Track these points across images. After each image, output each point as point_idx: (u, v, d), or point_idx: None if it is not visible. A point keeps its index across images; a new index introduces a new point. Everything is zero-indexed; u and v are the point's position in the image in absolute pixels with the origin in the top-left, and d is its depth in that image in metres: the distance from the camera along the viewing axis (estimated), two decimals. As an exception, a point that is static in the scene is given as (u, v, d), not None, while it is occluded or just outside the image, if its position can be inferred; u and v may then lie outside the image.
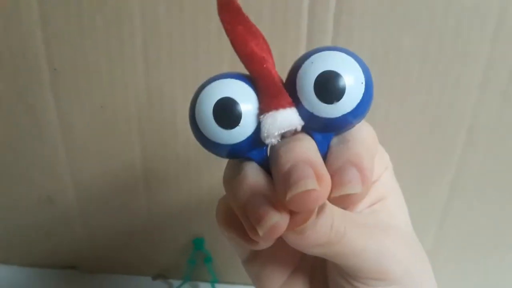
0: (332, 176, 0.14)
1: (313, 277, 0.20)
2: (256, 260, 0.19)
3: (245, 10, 0.29)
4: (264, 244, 0.16)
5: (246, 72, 0.16)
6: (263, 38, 0.16)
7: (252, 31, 0.15)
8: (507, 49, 0.29)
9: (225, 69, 0.31)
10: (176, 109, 0.33)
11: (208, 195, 0.37)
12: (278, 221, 0.14)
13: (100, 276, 0.42)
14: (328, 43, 0.30)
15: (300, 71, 0.15)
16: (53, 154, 0.36)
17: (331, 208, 0.15)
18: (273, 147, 0.15)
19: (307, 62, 0.15)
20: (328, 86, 0.14)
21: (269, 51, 0.16)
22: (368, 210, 0.18)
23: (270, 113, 0.15)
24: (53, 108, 0.34)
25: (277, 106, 0.15)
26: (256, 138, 0.15)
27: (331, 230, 0.15)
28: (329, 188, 0.14)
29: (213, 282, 0.40)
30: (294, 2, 0.28)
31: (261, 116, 0.15)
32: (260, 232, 0.14)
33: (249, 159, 0.16)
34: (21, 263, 0.43)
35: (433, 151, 0.33)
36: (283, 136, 0.16)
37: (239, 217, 0.15)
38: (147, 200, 0.38)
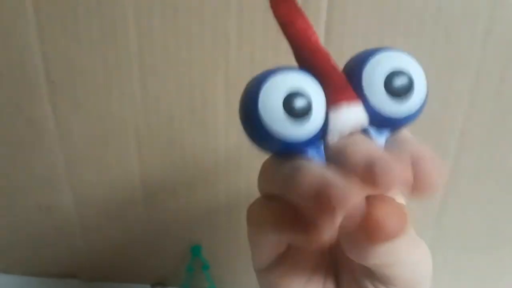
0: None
1: (326, 281, 0.20)
2: (276, 269, 0.19)
3: (238, 20, 0.30)
4: (330, 229, 0.14)
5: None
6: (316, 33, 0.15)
7: (310, 26, 0.15)
8: (496, 54, 0.29)
9: (219, 77, 0.31)
10: (173, 116, 0.33)
11: (205, 203, 0.37)
12: (353, 191, 0.12)
13: (100, 285, 0.43)
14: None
15: (367, 68, 0.15)
16: (52, 165, 0.36)
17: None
18: (333, 146, 0.14)
19: (373, 60, 0.15)
20: (400, 84, 0.14)
21: (326, 50, 0.15)
22: None
23: (341, 108, 0.14)
24: (52, 119, 0.34)
25: (346, 99, 0.14)
26: (319, 134, 0.14)
27: (407, 243, 0.15)
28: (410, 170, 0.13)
29: (211, 289, 0.40)
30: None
31: (330, 112, 0.14)
32: (342, 210, 0.12)
33: (303, 156, 0.15)
34: (21, 272, 0.43)
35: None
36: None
37: (306, 204, 0.13)
38: (145, 208, 0.38)
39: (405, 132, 0.16)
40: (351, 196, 0.12)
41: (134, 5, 0.30)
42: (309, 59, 0.15)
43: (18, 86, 0.33)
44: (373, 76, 0.14)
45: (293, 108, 0.14)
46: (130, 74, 0.32)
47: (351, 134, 0.14)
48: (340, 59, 0.30)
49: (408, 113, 0.15)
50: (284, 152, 0.15)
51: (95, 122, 0.34)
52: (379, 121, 0.15)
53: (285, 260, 0.18)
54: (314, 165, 0.14)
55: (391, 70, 0.14)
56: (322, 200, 0.12)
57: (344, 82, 0.15)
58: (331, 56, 0.15)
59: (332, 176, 0.13)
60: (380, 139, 0.15)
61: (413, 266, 0.16)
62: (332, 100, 0.14)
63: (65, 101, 0.33)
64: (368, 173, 0.12)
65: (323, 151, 0.15)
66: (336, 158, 0.14)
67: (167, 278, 0.42)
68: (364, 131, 0.15)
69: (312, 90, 0.14)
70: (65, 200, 0.38)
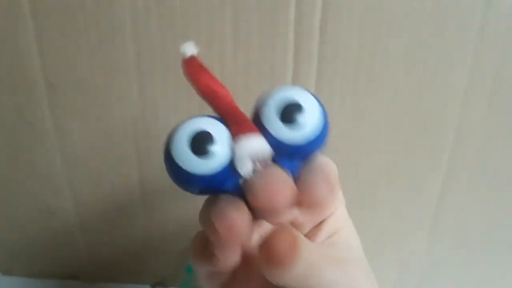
0: (302, 183, 0.16)
1: None
2: None
3: (233, 21, 0.30)
4: (227, 256, 0.17)
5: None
6: (223, 85, 0.18)
7: (212, 78, 0.18)
8: (491, 52, 0.29)
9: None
10: (170, 120, 0.34)
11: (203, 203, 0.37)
12: (236, 217, 0.15)
13: (101, 285, 0.43)
14: (315, 50, 0.30)
15: (264, 104, 0.17)
16: (51, 167, 0.36)
17: (308, 243, 0.16)
18: (247, 180, 0.16)
19: (269, 97, 0.17)
20: (291, 110, 0.16)
21: (228, 92, 0.18)
22: (328, 241, 0.19)
23: (240, 138, 0.16)
24: (51, 122, 0.34)
25: (245, 131, 0.16)
26: (230, 169, 0.16)
27: (310, 266, 0.16)
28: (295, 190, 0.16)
29: (211, 289, 0.40)
30: (280, 9, 0.29)
31: (233, 144, 0.16)
32: (220, 230, 0.15)
33: (224, 192, 0.17)
34: (23, 274, 0.44)
35: (423, 152, 0.33)
36: (254, 169, 0.17)
37: (207, 232, 0.16)
38: (144, 209, 0.38)
39: (323, 164, 0.18)
40: (239, 236, 0.15)
41: (131, 10, 0.30)
42: (210, 103, 0.17)
43: (17, 89, 0.33)
44: (269, 108, 0.17)
45: (197, 145, 0.16)
46: (128, 78, 0.32)
47: (264, 167, 0.16)
48: (334, 58, 0.31)
49: (306, 139, 0.16)
50: (205, 188, 0.17)
51: (93, 125, 0.34)
52: (283, 150, 0.17)
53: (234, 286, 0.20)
54: (223, 200, 0.16)
55: (283, 102, 0.17)
56: (216, 237, 0.15)
57: (243, 118, 0.17)
58: (230, 98, 0.17)
59: (227, 213, 0.15)
60: (292, 168, 0.17)
61: (344, 286, 0.17)
62: (234, 134, 0.16)
63: (64, 104, 0.34)
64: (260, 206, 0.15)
65: (239, 184, 0.17)
66: (247, 192, 0.16)
67: (167, 278, 0.43)
68: (276, 163, 0.17)
69: (216, 129, 0.16)
70: (65, 202, 0.38)
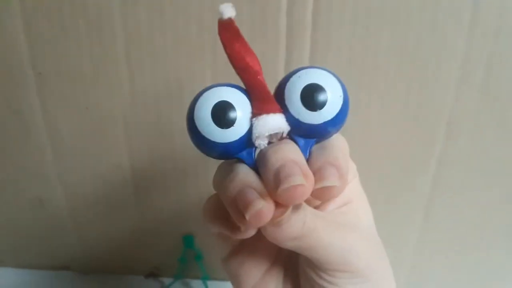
0: (314, 174, 0.16)
1: (286, 273, 0.21)
2: (236, 257, 0.21)
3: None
4: (247, 232, 0.18)
5: (237, 83, 0.18)
6: (256, 56, 0.18)
7: (247, 49, 0.17)
8: (482, 43, 0.29)
9: (206, 70, 0.31)
10: (160, 109, 0.33)
11: (195, 193, 0.37)
12: (263, 207, 0.15)
13: (93, 276, 0.43)
14: (307, 41, 0.30)
15: (289, 84, 0.17)
16: (41, 157, 0.36)
17: (304, 207, 0.17)
18: (261, 150, 0.17)
19: (294, 76, 0.17)
20: (313, 96, 0.17)
21: (260, 67, 0.18)
22: (337, 211, 0.20)
23: (262, 116, 0.17)
24: (40, 112, 0.34)
25: (268, 111, 0.17)
26: (247, 140, 0.17)
27: (304, 225, 0.17)
28: (312, 184, 0.16)
29: (204, 279, 0.41)
30: (272, 0, 0.29)
31: (254, 119, 0.17)
32: (247, 216, 0.15)
33: (239, 160, 0.18)
34: (15, 265, 0.44)
35: (415, 145, 0.33)
36: (270, 142, 0.18)
37: (228, 208, 0.17)
38: (136, 199, 0.38)
39: (334, 141, 0.18)
40: (255, 204, 0.15)
41: (120, -2, 0.29)
42: (241, 76, 0.17)
43: (5, 78, 0.33)
44: (293, 90, 0.17)
45: (218, 116, 0.17)
46: (117, 67, 0.32)
47: (278, 141, 0.17)
48: (326, 48, 0.30)
49: (323, 120, 0.17)
50: (222, 156, 0.18)
51: (83, 114, 0.34)
52: (301, 129, 0.17)
53: (243, 250, 0.21)
54: (241, 170, 0.17)
55: (306, 84, 0.17)
56: (233, 207, 0.16)
57: (268, 95, 0.17)
58: (261, 75, 0.17)
59: (249, 183, 0.16)
60: (306, 146, 0.18)
61: (341, 251, 0.18)
62: (256, 110, 0.17)
63: (52, 93, 0.33)
64: (276, 176, 0.16)
65: (254, 155, 0.18)
66: (261, 162, 0.17)
67: (160, 269, 0.43)
68: (292, 140, 0.18)
69: (239, 101, 0.17)
70: (55, 193, 0.38)
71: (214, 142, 0.17)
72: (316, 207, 0.20)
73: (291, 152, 0.16)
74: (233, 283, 0.22)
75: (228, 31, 0.17)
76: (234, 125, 0.17)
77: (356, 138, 0.33)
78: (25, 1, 0.30)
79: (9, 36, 0.31)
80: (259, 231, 0.18)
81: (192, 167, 0.36)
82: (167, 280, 0.42)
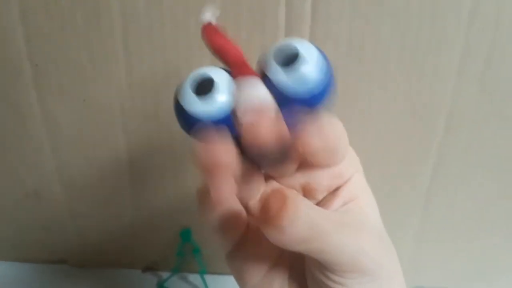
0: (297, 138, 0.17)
1: (292, 271, 0.21)
2: (239, 253, 0.20)
3: (224, 4, 0.29)
4: (222, 193, 0.17)
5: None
6: (237, 47, 0.18)
7: (227, 40, 0.19)
8: (481, 36, 0.29)
9: (206, 61, 0.31)
10: (159, 101, 0.33)
11: (193, 186, 0.37)
12: (217, 146, 0.16)
13: (91, 270, 0.43)
14: (307, 32, 0.30)
15: (266, 54, 0.18)
16: (38, 150, 0.36)
17: (310, 207, 0.17)
18: (242, 120, 0.17)
19: (272, 47, 0.18)
20: (292, 58, 0.17)
21: (240, 50, 0.18)
22: (342, 209, 0.19)
23: (241, 83, 0.17)
24: (37, 104, 0.34)
25: (245, 74, 0.17)
26: (231, 115, 0.17)
27: (311, 228, 0.16)
28: (279, 125, 0.16)
29: (202, 273, 0.41)
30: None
31: (235, 90, 0.17)
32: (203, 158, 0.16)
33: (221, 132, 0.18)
34: (12, 258, 0.44)
35: (415, 136, 0.33)
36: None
37: (198, 169, 0.17)
38: (134, 193, 0.38)
39: (323, 117, 0.18)
40: (220, 163, 0.16)
41: (118, -13, 0.29)
42: (224, 60, 0.18)
43: (2, 71, 0.33)
44: (270, 57, 0.17)
45: (200, 90, 0.17)
46: (115, 58, 0.32)
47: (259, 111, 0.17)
48: (325, 41, 0.30)
49: (308, 91, 0.17)
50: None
51: (80, 106, 0.34)
52: (286, 101, 0.17)
53: (246, 246, 0.20)
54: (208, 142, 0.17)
55: (285, 50, 0.17)
56: (201, 167, 0.16)
57: (247, 67, 0.18)
58: (241, 56, 0.18)
59: (209, 144, 0.16)
60: (292, 121, 0.17)
61: (351, 252, 0.17)
62: (235, 77, 0.18)
63: (49, 85, 0.33)
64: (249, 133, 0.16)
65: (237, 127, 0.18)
66: (241, 130, 0.17)
67: (158, 262, 0.43)
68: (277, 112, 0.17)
69: (218, 76, 0.18)
70: (53, 186, 0.38)
71: (197, 117, 0.17)
72: (320, 205, 0.20)
73: (266, 118, 0.16)
74: (236, 279, 0.21)
75: (208, 32, 0.19)
76: (216, 96, 0.17)
77: (355, 129, 0.33)
78: (21, -7, 0.30)
79: (5, 28, 0.31)
80: (261, 232, 0.17)
81: (189, 158, 0.36)
82: (164, 274, 0.42)
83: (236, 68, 0.18)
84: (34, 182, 0.38)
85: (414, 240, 0.39)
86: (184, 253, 0.40)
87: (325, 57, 0.17)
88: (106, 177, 0.37)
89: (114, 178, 0.37)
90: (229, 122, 0.17)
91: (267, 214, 0.15)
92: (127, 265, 0.43)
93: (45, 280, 0.42)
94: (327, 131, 0.17)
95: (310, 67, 0.17)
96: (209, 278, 0.41)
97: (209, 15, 0.19)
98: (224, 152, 0.16)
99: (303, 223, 0.16)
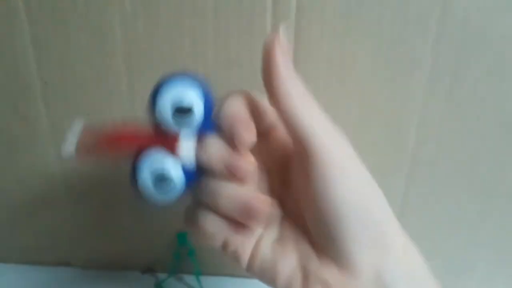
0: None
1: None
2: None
3: (214, 29, 0.32)
4: None
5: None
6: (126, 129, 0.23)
7: (111, 135, 0.22)
8: (447, 54, 0.32)
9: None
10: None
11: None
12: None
13: (93, 272, 0.45)
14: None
15: (159, 113, 0.22)
16: (46, 159, 0.38)
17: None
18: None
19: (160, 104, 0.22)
20: (181, 115, 0.21)
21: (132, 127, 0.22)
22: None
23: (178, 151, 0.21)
24: (45, 117, 0.36)
25: (173, 148, 0.21)
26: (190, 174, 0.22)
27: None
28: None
29: (197, 274, 0.42)
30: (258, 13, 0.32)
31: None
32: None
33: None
34: (18, 261, 0.45)
35: (389, 147, 0.36)
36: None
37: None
38: (133, 199, 0.40)
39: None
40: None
41: (120, 12, 0.32)
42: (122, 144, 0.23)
43: (13, 87, 0.35)
44: (165, 115, 0.21)
45: (160, 190, 0.22)
46: (117, 75, 0.34)
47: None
48: (306, 60, 0.33)
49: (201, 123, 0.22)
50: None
51: (86, 120, 0.36)
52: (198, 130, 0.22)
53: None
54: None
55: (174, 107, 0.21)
56: None
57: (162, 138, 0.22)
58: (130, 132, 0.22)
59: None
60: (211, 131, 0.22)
61: (307, 130, 0.21)
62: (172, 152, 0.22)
63: (57, 101, 0.36)
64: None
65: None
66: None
67: (157, 264, 0.45)
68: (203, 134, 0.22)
69: (173, 172, 0.22)
70: (58, 193, 0.40)
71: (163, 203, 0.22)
72: None
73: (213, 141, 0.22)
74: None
75: (101, 143, 0.22)
76: (173, 187, 0.22)
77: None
78: (32, 16, 0.32)
79: (18, 48, 0.34)
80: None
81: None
82: (162, 276, 0.44)
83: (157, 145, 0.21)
84: (41, 188, 0.40)
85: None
86: (181, 255, 0.42)
87: (205, 93, 0.22)
88: (109, 185, 0.39)
89: (115, 185, 0.39)
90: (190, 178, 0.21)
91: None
92: (128, 267, 0.45)
93: (50, 282, 0.44)
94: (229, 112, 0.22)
95: (199, 111, 0.21)
96: (203, 279, 0.42)
97: (68, 152, 0.22)
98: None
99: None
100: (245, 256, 0.23)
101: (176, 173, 0.21)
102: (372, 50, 0.32)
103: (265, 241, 0.23)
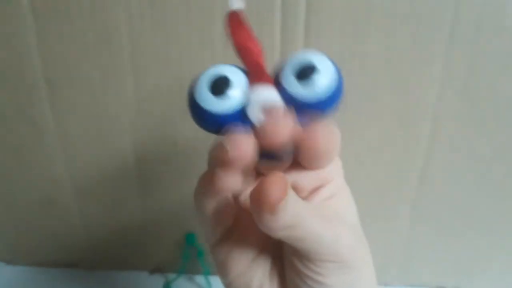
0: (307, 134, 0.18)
1: (273, 262, 0.22)
2: (224, 244, 0.21)
3: (223, 28, 0.31)
4: (232, 182, 0.18)
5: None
6: (257, 42, 0.19)
7: (249, 35, 0.19)
8: (463, 49, 0.31)
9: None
10: (165, 114, 0.35)
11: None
12: (244, 139, 0.17)
13: (101, 273, 0.45)
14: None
15: (283, 64, 0.19)
16: (52, 160, 0.38)
17: (296, 197, 0.18)
18: (257, 124, 0.18)
19: (288, 58, 0.19)
20: (306, 70, 0.18)
21: (259, 50, 0.19)
22: (324, 203, 0.21)
23: (255, 87, 0.18)
24: (51, 118, 0.36)
25: (260, 81, 0.18)
26: (243, 114, 0.18)
27: (295, 215, 0.18)
28: (295, 128, 0.17)
29: (206, 274, 0.43)
30: (266, 14, 0.31)
31: (249, 91, 0.18)
32: (229, 146, 0.17)
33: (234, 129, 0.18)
34: (25, 263, 0.45)
35: (401, 144, 0.35)
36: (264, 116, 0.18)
37: (219, 156, 0.17)
38: (142, 199, 0.40)
39: (325, 124, 0.19)
40: (245, 156, 0.16)
41: (126, 11, 0.32)
42: (242, 58, 0.19)
43: (19, 87, 0.35)
44: (287, 67, 0.18)
45: (214, 87, 0.18)
46: (123, 75, 0.34)
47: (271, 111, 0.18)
48: (318, 47, 0.32)
49: (318, 98, 0.18)
50: (220, 129, 0.18)
51: (91, 120, 0.36)
52: (296, 105, 0.18)
53: (231, 238, 0.21)
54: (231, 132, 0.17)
55: (301, 63, 0.18)
56: (224, 155, 0.17)
57: (263, 72, 0.18)
58: (260, 57, 0.19)
59: (237, 135, 0.17)
60: (300, 123, 0.18)
61: (330, 242, 0.19)
62: (251, 83, 0.18)
63: (63, 101, 0.35)
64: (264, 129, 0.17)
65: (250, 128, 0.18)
66: (255, 130, 0.17)
67: (165, 264, 0.45)
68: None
69: (234, 76, 0.18)
70: (65, 193, 0.40)
71: (211, 113, 0.18)
72: (303, 198, 0.21)
73: (281, 116, 0.17)
74: (219, 271, 0.22)
75: (232, 22, 0.19)
76: (230, 95, 0.18)
77: (345, 139, 0.35)
78: (38, 15, 0.32)
79: (22, 48, 0.33)
80: (250, 220, 0.18)
81: (194, 168, 0.38)
82: (171, 276, 0.44)
83: (253, 73, 0.18)
84: (48, 189, 0.40)
85: (404, 241, 0.41)
86: (189, 256, 0.42)
87: (338, 70, 0.19)
88: (116, 186, 0.39)
89: (123, 186, 0.39)
90: (240, 119, 0.18)
91: (266, 196, 0.16)
92: (136, 267, 0.45)
93: (57, 284, 0.44)
94: (330, 135, 0.18)
95: (326, 81, 0.18)
96: (213, 279, 0.42)
97: (238, 2, 0.19)
98: (249, 145, 0.17)
99: (292, 209, 0.17)
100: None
101: (237, 90, 0.18)
102: (384, 48, 0.32)
103: None
